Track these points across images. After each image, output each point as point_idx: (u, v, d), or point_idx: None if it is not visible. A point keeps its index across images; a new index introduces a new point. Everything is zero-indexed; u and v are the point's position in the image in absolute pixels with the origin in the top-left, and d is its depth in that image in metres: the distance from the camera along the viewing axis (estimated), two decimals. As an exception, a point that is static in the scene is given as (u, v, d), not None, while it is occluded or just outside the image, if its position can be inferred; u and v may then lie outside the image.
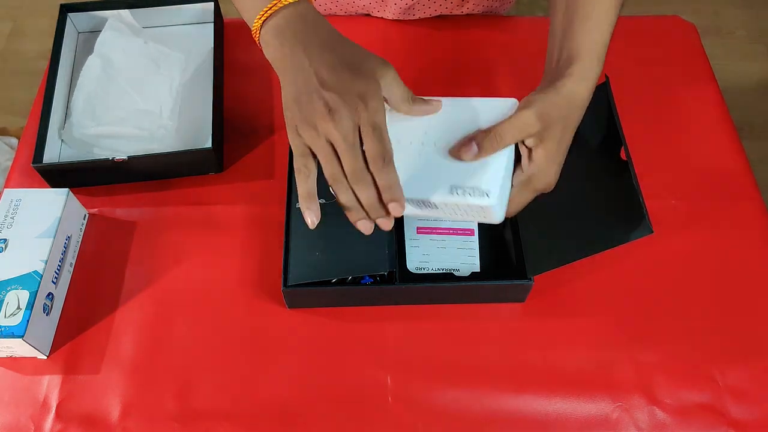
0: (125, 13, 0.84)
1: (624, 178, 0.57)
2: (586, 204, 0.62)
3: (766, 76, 1.84)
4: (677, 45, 0.90)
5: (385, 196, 0.49)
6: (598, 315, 0.68)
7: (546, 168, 0.53)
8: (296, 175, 0.51)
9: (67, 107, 0.79)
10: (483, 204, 0.51)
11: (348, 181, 0.49)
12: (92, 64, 0.80)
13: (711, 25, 1.95)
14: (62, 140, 0.77)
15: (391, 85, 0.51)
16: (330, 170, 0.49)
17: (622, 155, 0.59)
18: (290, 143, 0.50)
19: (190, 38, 0.86)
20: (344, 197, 0.50)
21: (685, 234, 0.73)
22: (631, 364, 0.65)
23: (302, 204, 0.51)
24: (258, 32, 0.53)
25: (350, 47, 0.52)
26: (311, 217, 0.51)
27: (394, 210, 0.49)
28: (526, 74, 0.81)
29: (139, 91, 0.79)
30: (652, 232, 0.53)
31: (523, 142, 0.53)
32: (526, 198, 0.55)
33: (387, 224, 0.51)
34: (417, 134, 0.53)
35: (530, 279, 0.64)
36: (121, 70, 0.80)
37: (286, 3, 0.52)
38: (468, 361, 0.65)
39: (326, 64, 0.49)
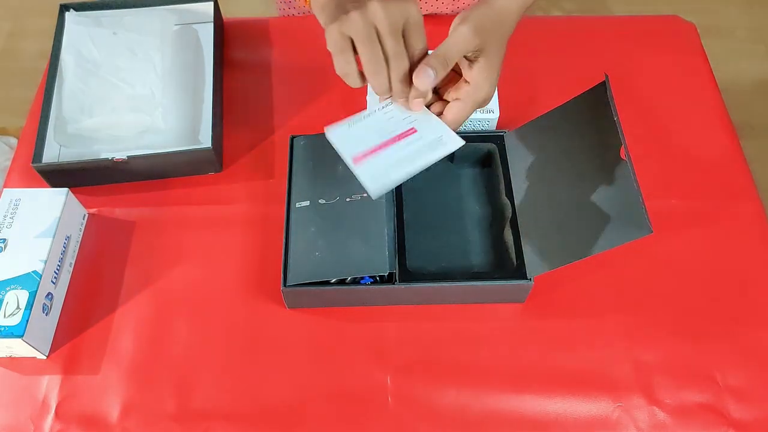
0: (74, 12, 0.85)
1: (623, 177, 0.57)
2: (586, 204, 0.62)
3: (766, 76, 1.84)
4: (677, 45, 0.90)
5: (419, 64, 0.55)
6: (598, 315, 0.68)
7: (483, 82, 0.56)
8: (345, 79, 0.56)
9: (53, 109, 0.78)
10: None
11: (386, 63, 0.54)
12: (66, 60, 0.80)
13: (711, 25, 1.95)
14: (58, 143, 0.76)
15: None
16: (368, 53, 0.53)
17: (622, 155, 0.59)
18: (330, 43, 0.55)
19: (191, 38, 0.86)
20: (377, 80, 0.55)
21: (685, 234, 0.73)
22: (631, 364, 0.65)
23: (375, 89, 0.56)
24: None
25: None
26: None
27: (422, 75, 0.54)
28: (520, 72, 0.81)
29: (125, 80, 0.79)
30: (652, 231, 0.53)
31: (464, 56, 0.57)
32: (466, 112, 0.58)
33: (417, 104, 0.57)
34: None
35: (530, 279, 0.64)
36: (99, 64, 0.80)
37: None
38: (468, 361, 0.65)
39: None
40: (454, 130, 0.58)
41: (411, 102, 0.57)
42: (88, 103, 0.77)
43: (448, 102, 0.59)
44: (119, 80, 0.79)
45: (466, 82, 0.57)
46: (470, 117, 0.73)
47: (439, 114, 0.59)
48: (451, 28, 0.56)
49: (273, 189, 0.75)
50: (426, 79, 0.54)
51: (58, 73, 0.80)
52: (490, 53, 0.56)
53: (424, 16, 0.91)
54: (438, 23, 0.91)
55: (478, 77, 0.56)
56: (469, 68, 0.56)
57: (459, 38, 0.54)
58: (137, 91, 0.78)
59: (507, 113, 0.81)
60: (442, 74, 0.55)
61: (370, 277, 0.66)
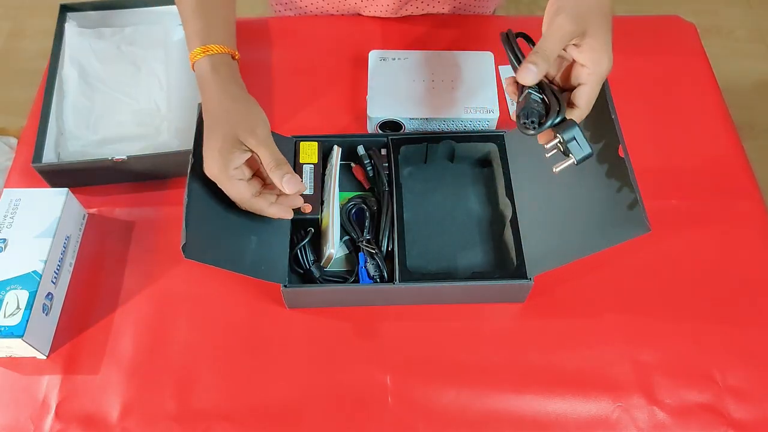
0: (74, 23, 0.84)
1: (622, 176, 0.57)
2: (585, 203, 0.62)
3: (766, 76, 1.84)
4: (677, 45, 0.90)
5: None
6: (598, 315, 0.68)
7: (599, 58, 0.55)
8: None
9: (56, 125, 0.78)
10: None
11: None
12: (69, 75, 0.80)
13: (711, 25, 1.95)
14: (64, 160, 0.76)
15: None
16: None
17: (620, 153, 0.59)
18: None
19: (189, 38, 0.86)
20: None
21: (685, 234, 0.73)
22: (631, 364, 0.65)
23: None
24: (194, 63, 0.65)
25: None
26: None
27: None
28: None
29: (130, 95, 0.79)
30: (650, 230, 0.53)
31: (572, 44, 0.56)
32: (594, 92, 0.56)
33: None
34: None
35: (530, 279, 0.64)
36: (103, 79, 0.80)
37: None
38: (468, 361, 0.65)
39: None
40: (585, 116, 0.57)
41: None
42: (93, 120, 0.77)
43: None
44: (124, 95, 0.79)
45: (581, 65, 0.56)
46: (471, 117, 0.73)
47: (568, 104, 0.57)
48: (546, 20, 0.55)
49: (273, 189, 0.75)
50: (529, 74, 0.53)
51: (57, 86, 0.79)
52: (595, 33, 0.55)
53: (422, 16, 0.92)
54: (437, 24, 0.91)
55: (591, 57, 0.55)
56: (579, 52, 0.55)
57: (557, 30, 0.54)
58: (142, 106, 0.78)
59: (507, 113, 0.82)
60: (545, 69, 0.54)
61: (369, 278, 0.66)
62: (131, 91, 0.80)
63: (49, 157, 0.75)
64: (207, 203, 0.62)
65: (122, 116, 0.78)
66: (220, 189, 0.62)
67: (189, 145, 0.76)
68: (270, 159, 0.60)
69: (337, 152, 0.73)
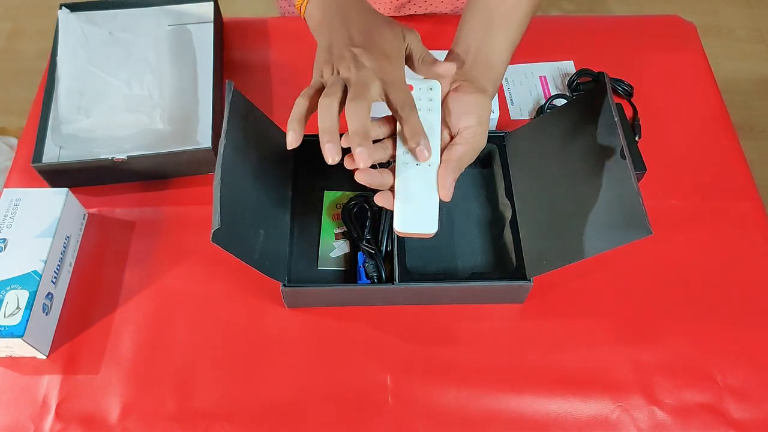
0: (66, 9, 0.84)
1: (623, 178, 0.57)
2: (586, 205, 0.62)
3: (766, 76, 1.84)
4: (677, 45, 0.90)
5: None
6: (598, 315, 0.68)
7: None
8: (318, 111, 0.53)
9: (51, 110, 0.78)
10: None
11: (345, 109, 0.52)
12: (61, 59, 0.80)
13: (711, 24, 1.95)
14: (55, 143, 0.76)
15: (413, 46, 0.59)
16: (328, 95, 0.52)
17: (622, 155, 0.59)
18: (312, 82, 0.56)
19: (190, 38, 0.86)
20: (326, 121, 0.52)
21: (685, 234, 0.73)
22: (631, 364, 0.65)
23: (321, 138, 0.51)
24: (303, 7, 0.62)
25: (379, 17, 0.59)
26: (331, 153, 0.51)
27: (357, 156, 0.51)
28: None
29: (121, 80, 0.79)
30: (651, 233, 0.53)
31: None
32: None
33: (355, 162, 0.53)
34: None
35: (530, 280, 0.64)
36: (95, 63, 0.80)
37: None
38: (468, 361, 0.65)
39: (358, 27, 0.58)
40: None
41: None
42: (84, 104, 0.77)
43: None
44: (116, 80, 0.79)
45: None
46: None
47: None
48: (468, 124, 0.57)
49: (273, 189, 0.75)
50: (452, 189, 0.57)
51: (56, 73, 0.80)
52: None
53: (424, 15, 0.92)
54: (438, 23, 0.91)
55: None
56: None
57: (477, 148, 0.58)
58: (134, 92, 0.78)
59: (507, 114, 0.82)
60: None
61: (367, 278, 0.66)
62: (123, 77, 0.79)
63: (49, 155, 0.75)
64: (231, 190, 0.62)
65: (114, 101, 0.77)
66: (243, 175, 0.62)
67: (181, 131, 0.77)
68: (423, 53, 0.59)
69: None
